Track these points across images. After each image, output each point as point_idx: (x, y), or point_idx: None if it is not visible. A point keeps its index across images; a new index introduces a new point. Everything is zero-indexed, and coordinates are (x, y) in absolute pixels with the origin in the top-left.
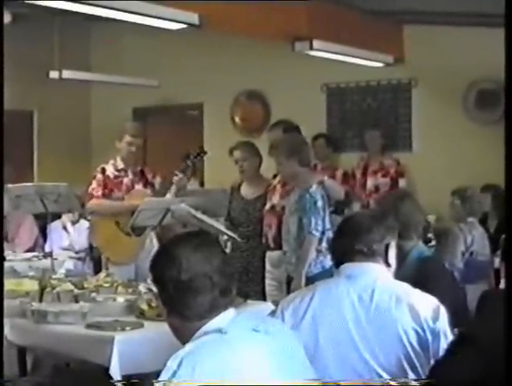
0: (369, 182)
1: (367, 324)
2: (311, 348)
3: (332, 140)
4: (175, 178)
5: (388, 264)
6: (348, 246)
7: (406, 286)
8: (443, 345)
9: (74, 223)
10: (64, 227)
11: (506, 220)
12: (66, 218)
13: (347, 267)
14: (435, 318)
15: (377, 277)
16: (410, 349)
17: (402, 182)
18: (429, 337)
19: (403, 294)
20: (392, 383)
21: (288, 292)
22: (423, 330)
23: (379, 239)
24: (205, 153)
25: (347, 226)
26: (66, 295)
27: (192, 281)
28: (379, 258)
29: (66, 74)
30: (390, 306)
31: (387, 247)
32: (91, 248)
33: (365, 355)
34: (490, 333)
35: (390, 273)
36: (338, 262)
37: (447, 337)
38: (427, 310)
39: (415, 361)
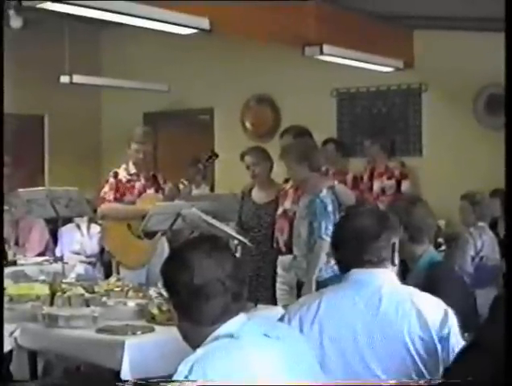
0: (376, 185)
1: (374, 332)
2: (317, 356)
3: (342, 145)
4: (181, 186)
5: (394, 264)
6: (355, 256)
7: (413, 291)
8: (454, 350)
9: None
10: (78, 226)
11: (506, 224)
12: (80, 219)
13: (354, 273)
14: (444, 325)
15: (384, 284)
16: (417, 357)
17: (404, 184)
18: (437, 344)
19: (411, 301)
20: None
21: (298, 297)
22: (431, 338)
23: (387, 244)
24: (217, 156)
25: (352, 236)
26: (77, 299)
27: (204, 286)
28: (387, 263)
29: (77, 79)
30: (396, 314)
31: (393, 247)
32: (102, 252)
33: (372, 364)
34: (502, 338)
35: (394, 273)
36: (344, 269)
37: (458, 342)
38: (435, 316)
39: (423, 369)
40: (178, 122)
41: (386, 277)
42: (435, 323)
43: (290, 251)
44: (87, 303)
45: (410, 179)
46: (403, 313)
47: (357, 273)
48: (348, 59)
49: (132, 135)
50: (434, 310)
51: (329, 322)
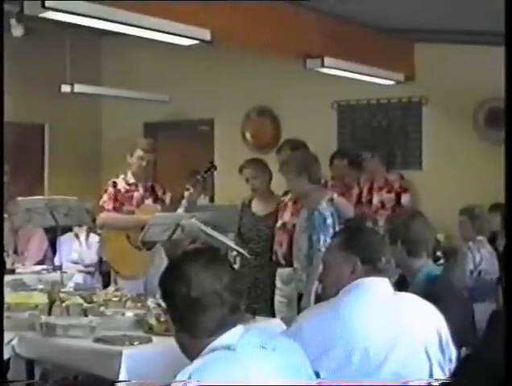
0: (375, 199)
1: (391, 339)
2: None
3: (353, 158)
4: (187, 193)
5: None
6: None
7: (416, 299)
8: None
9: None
10: (77, 235)
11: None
12: (79, 229)
13: (363, 283)
14: (446, 334)
15: (391, 292)
16: (434, 363)
17: (404, 198)
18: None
19: (417, 307)
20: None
21: (299, 309)
22: (441, 342)
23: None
24: (215, 168)
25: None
26: (75, 309)
27: (201, 299)
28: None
29: (78, 88)
30: (410, 321)
31: None
32: (100, 261)
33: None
34: (499, 352)
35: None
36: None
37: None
38: (439, 323)
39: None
40: (178, 133)
41: (389, 286)
42: (441, 331)
43: (289, 263)
44: (85, 313)
45: (410, 192)
46: (414, 319)
47: (365, 283)
48: (349, 71)
49: (137, 143)
50: (437, 317)
51: (349, 333)
